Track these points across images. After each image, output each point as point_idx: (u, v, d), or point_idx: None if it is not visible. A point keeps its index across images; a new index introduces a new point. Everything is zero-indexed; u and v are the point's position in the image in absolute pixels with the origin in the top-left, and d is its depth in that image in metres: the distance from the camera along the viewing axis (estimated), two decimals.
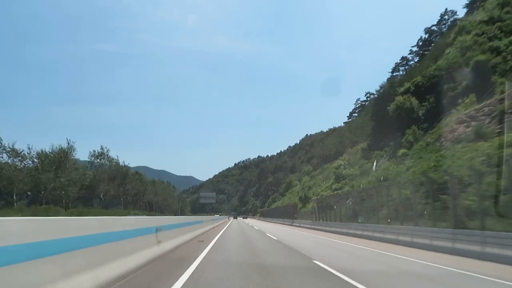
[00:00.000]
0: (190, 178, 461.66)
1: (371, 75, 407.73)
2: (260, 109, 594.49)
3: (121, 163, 66.18)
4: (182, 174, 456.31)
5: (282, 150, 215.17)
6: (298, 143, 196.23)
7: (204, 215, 61.84)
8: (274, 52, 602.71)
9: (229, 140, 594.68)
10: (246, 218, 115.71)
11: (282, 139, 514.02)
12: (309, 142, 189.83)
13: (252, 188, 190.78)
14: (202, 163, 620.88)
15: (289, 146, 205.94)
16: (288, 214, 54.44)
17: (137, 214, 51.52)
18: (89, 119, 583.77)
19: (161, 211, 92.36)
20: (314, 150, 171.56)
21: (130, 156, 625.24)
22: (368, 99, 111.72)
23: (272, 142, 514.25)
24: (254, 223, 57.44)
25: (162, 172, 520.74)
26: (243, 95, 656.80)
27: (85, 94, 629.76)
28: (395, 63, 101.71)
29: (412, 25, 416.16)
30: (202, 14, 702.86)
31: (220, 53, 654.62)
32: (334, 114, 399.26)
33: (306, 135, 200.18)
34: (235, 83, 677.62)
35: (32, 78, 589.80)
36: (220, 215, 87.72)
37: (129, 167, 69.40)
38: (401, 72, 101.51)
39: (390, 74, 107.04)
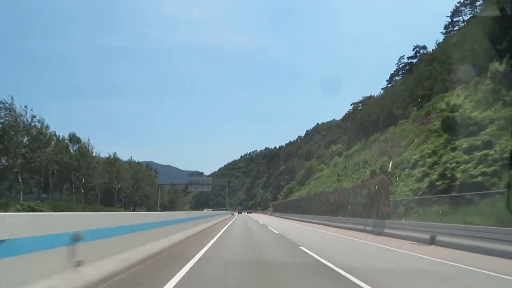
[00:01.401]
0: (196, 173, 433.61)
1: (376, 69, 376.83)
2: (267, 102, 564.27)
3: (21, 110, 36.94)
4: (188, 169, 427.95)
5: (292, 140, 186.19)
6: (310, 129, 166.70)
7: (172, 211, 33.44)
8: (279, 45, 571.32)
9: (235, 134, 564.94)
10: (250, 213, 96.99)
11: (290, 131, 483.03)
12: (325, 127, 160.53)
13: (260, 179, 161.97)
14: (208, 157, 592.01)
15: (299, 136, 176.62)
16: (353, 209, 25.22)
17: (32, 209, 23.65)
18: (93, 113, 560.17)
19: (135, 205, 64.68)
20: (333, 133, 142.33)
21: (135, 151, 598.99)
22: (418, 54, 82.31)
23: (279, 134, 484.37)
24: (275, 224, 29.13)
25: (168, 167, 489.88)
26: (248, 88, 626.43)
27: (89, 88, 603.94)
28: (455, 5, 72.20)
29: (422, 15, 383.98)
30: (206, 8, 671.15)
31: (224, 46, 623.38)
32: (344, 103, 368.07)
33: (317, 123, 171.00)
34: (240, 77, 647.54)
35: (35, 72, 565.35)
36: (213, 210, 60.89)
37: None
38: (465, 17, 71.97)
39: (450, 19, 77.62)
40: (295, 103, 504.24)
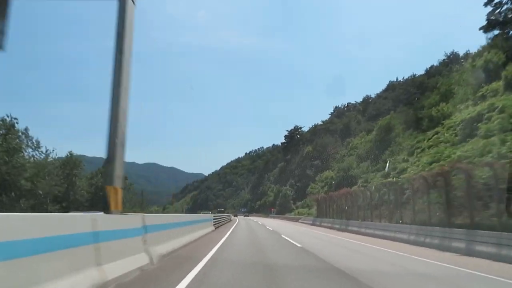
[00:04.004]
0: (200, 175, 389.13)
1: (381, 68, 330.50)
2: (272, 103, 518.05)
3: None
4: (192, 171, 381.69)
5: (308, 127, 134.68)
6: (340, 106, 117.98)
7: None
8: (284, 48, 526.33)
9: (241, 136, 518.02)
10: (247, 215, 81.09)
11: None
12: (362, 100, 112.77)
13: (271, 171, 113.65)
14: (212, 159, 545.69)
15: (314, 124, 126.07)
16: None
17: None
18: (98, 115, 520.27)
19: None
20: (379, 104, 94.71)
21: (139, 152, 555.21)
22: None
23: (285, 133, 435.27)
24: None
25: (172, 169, 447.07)
26: (254, 90, 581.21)
27: (94, 90, 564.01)
28: None
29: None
30: (211, 10, 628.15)
31: (230, 48, 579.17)
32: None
33: (348, 103, 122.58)
34: (245, 79, 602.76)
35: (41, 75, 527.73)
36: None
37: None
38: None
39: None
40: (301, 104, 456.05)
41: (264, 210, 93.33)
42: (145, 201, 62.48)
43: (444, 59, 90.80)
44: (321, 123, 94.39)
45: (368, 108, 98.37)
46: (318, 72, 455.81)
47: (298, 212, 47.24)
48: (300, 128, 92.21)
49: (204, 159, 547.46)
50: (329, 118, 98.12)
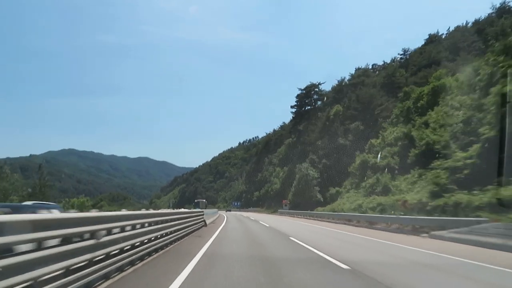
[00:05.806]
0: (192, 169, 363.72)
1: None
2: (265, 101, 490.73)
3: None
4: (184, 165, 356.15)
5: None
6: (362, 66, 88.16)
7: None
8: (277, 44, 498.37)
9: (233, 131, 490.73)
10: (229, 210, 66.22)
11: None
12: (391, 60, 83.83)
13: (274, 152, 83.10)
14: (205, 153, 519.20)
15: (339, 80, 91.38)
16: None
17: None
18: (90, 110, 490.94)
19: None
20: (424, 55, 66.04)
21: (130, 146, 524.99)
22: None
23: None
24: None
25: (164, 163, 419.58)
26: (247, 85, 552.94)
27: (86, 85, 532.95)
28: None
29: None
30: (204, 4, 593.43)
31: (222, 44, 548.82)
32: None
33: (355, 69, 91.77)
34: (238, 75, 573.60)
35: (33, 70, 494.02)
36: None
37: None
38: None
39: None
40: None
41: (266, 202, 64.24)
42: (49, 189, 32.33)
43: (491, 13, 73.79)
44: (349, 77, 64.49)
45: (411, 61, 69.87)
46: (312, 66, 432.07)
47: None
48: (319, 84, 61.99)
49: (196, 153, 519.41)
50: (353, 74, 68.03)
